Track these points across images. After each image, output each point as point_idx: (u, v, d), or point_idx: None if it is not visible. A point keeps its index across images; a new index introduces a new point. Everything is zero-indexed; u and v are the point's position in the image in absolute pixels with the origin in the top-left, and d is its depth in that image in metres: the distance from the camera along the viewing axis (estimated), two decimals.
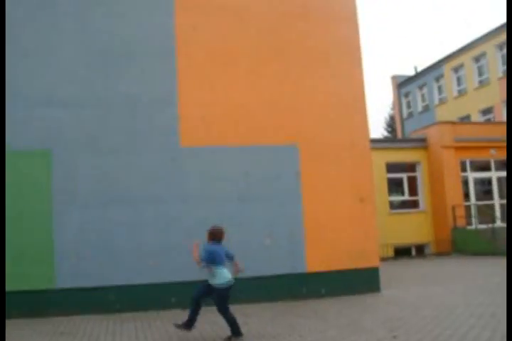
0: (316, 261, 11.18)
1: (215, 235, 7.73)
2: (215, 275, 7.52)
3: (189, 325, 7.64)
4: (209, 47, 11.36)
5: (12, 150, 10.31)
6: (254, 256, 10.87)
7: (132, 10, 11.22)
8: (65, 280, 10.20)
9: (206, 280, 7.66)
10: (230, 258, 7.88)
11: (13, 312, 9.87)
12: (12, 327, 9.20)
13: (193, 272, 10.38)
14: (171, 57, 11.13)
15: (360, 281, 11.45)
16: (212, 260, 7.49)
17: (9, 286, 9.91)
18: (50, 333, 8.55)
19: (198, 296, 7.68)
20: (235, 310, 9.17)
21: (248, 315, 9.43)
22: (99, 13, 11.05)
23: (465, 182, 22.46)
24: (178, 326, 7.69)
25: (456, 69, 32.43)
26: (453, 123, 24.06)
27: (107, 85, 10.82)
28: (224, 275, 7.53)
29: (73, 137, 10.59)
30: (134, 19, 11.20)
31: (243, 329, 7.86)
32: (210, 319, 8.22)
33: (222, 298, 7.52)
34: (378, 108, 68.33)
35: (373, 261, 11.63)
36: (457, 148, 21.96)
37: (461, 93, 31.86)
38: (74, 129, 10.61)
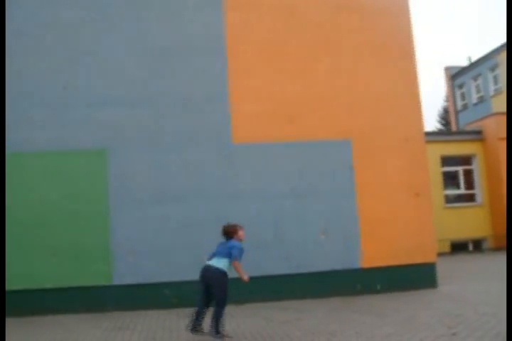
0: (371, 257, 11.06)
1: (224, 232, 7.68)
2: (225, 268, 7.46)
3: (218, 330, 7.40)
4: (260, 44, 11.35)
5: (69, 149, 10.56)
6: (309, 251, 10.85)
7: (183, 9, 11.31)
8: (122, 276, 10.40)
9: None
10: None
11: (73, 308, 10.17)
12: (72, 321, 9.46)
13: (247, 268, 10.47)
14: (222, 54, 11.17)
15: (417, 277, 11.27)
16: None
17: (69, 282, 10.23)
18: (109, 328, 8.73)
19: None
20: (290, 306, 9.16)
21: (303, 310, 9.41)
22: (152, 14, 11.19)
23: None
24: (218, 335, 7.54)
25: None
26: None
27: (160, 84, 10.95)
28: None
29: (128, 136, 10.77)
30: (185, 19, 11.28)
31: (298, 325, 7.85)
32: (262, 315, 8.22)
33: (225, 289, 7.44)
34: (431, 100, 67.03)
35: (430, 257, 11.42)
36: None
37: None
38: (129, 128, 10.79)
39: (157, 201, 10.64)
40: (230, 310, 9.14)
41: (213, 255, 7.58)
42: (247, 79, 11.16)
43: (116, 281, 10.39)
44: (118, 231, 10.48)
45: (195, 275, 10.06)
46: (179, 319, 9.28)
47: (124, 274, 10.40)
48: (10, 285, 10.14)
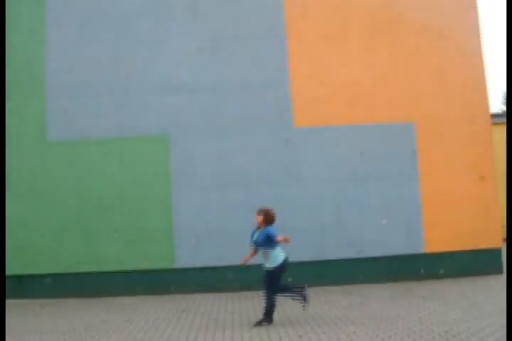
0: (434, 241, 10.88)
1: (270, 219, 7.56)
2: (271, 257, 7.43)
3: (304, 298, 7.62)
4: (319, 26, 11.22)
5: (133, 135, 10.78)
6: (371, 236, 10.77)
7: None
8: (185, 260, 10.60)
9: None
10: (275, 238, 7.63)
11: (137, 290, 10.45)
12: (137, 303, 9.73)
13: (309, 252, 10.50)
14: (282, 38, 11.12)
15: (481, 262, 11.03)
16: (267, 244, 7.41)
17: (133, 266, 10.51)
18: (173, 310, 8.92)
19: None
20: (353, 290, 9.14)
21: (366, 295, 9.37)
22: (211, 0, 11.20)
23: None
24: (304, 307, 7.69)
25: None
26: None
27: (219, 69, 11.01)
28: (279, 255, 7.43)
29: (189, 121, 10.89)
30: (243, 3, 11.26)
31: (361, 309, 7.83)
32: (326, 299, 8.23)
33: (272, 279, 7.42)
34: (495, 81, 64.96)
35: (495, 242, 11.15)
36: None
37: None
38: (190, 113, 10.91)
39: (218, 185, 10.75)
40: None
41: (277, 244, 7.48)
42: (307, 62, 11.07)
43: (179, 265, 10.60)
44: (180, 215, 10.66)
45: (257, 260, 10.15)
46: (241, 302, 9.41)
47: (187, 258, 10.59)
48: (77, 268, 10.52)
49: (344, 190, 10.81)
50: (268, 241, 7.39)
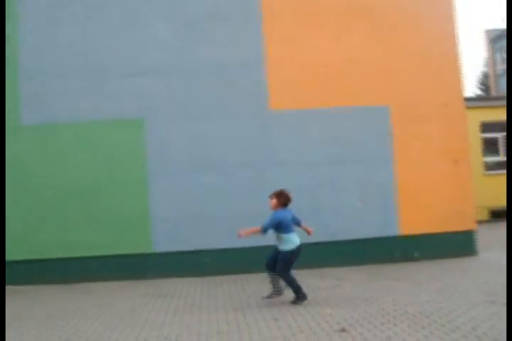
0: (409, 224, 11.00)
1: (284, 200, 7.63)
2: (283, 241, 7.52)
3: (279, 292, 7.71)
4: (295, 9, 11.15)
5: (107, 119, 10.66)
6: (346, 219, 10.84)
7: None
8: (162, 244, 10.58)
9: (276, 246, 7.68)
10: (297, 223, 7.82)
11: (114, 275, 10.42)
12: (114, 288, 9.71)
13: None
14: (258, 20, 11.03)
15: (456, 244, 11.18)
16: (278, 228, 7.47)
17: (109, 251, 10.46)
18: (149, 295, 8.92)
19: (271, 263, 7.69)
20: (328, 273, 9.22)
21: (341, 277, 9.46)
22: None
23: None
24: (268, 297, 7.76)
25: None
26: None
27: (194, 52, 10.90)
28: (292, 240, 7.51)
29: (165, 104, 10.80)
30: None
31: (336, 291, 7.91)
32: (301, 282, 8.26)
33: (284, 261, 7.50)
34: (471, 65, 65.45)
35: (469, 224, 11.30)
36: None
37: None
38: (165, 97, 10.82)
39: (194, 169, 10.71)
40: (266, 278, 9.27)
41: (290, 228, 7.58)
42: (283, 45, 11.02)
43: (156, 249, 10.57)
44: (156, 200, 10.62)
45: (233, 243, 10.21)
46: (217, 286, 9.44)
47: (163, 242, 10.57)
48: (52, 253, 10.44)
49: (319, 173, 10.83)
50: (278, 226, 7.46)
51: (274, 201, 7.63)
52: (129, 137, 10.71)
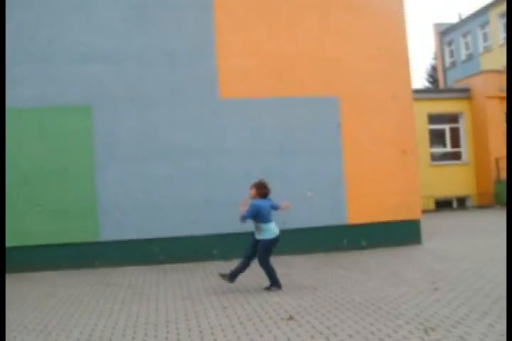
0: (357, 213, 11.17)
1: (262, 191, 7.68)
2: (263, 230, 7.56)
3: (233, 277, 7.73)
4: None
5: (54, 106, 10.41)
6: (295, 208, 10.84)
7: None
8: (110, 233, 10.44)
9: (253, 234, 7.72)
10: (275, 208, 7.85)
11: (61, 264, 10.24)
12: (60, 277, 9.56)
13: (234, 224, 10.53)
14: (209, 8, 10.92)
15: (402, 233, 11.43)
16: (256, 217, 7.51)
17: (56, 239, 10.28)
18: (97, 283, 8.81)
19: (250, 252, 7.70)
20: (278, 261, 9.28)
21: (290, 266, 9.54)
22: None
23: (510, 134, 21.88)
24: (222, 275, 7.78)
25: (502, 15, 31.14)
26: (498, 72, 23.25)
27: (145, 39, 10.73)
28: (270, 230, 7.57)
29: (113, 92, 10.61)
30: None
31: (285, 279, 7.96)
32: (251, 270, 8.31)
33: (264, 249, 7.57)
34: (419, 57, 66.56)
35: (415, 213, 11.56)
36: (502, 99, 21.26)
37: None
38: (114, 84, 10.62)
39: (143, 157, 10.58)
40: (218, 266, 9.28)
41: (268, 218, 7.61)
42: (235, 33, 10.96)
43: (104, 238, 10.43)
44: (104, 188, 10.46)
45: (182, 232, 10.16)
46: (166, 274, 9.40)
47: (112, 230, 10.44)
48: None
49: (269, 162, 10.86)
50: (257, 216, 7.47)
51: (253, 191, 7.68)
52: (76, 125, 10.47)
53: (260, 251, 7.58)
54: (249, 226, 7.78)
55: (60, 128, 10.42)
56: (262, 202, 7.57)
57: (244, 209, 7.46)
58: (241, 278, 7.83)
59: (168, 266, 10.19)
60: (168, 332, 5.71)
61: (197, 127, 10.77)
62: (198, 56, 10.85)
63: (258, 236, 7.62)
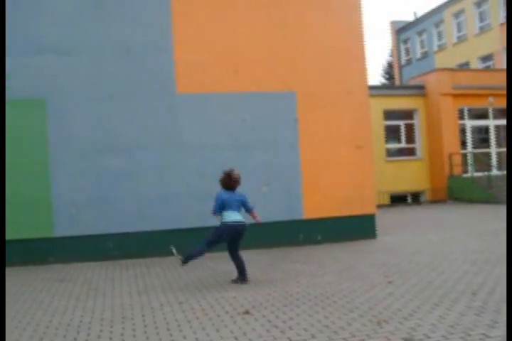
0: (312, 208, 11.26)
1: (222, 183, 7.75)
2: (222, 217, 7.59)
3: (187, 260, 7.70)
4: None
5: (7, 99, 10.15)
6: (252, 202, 10.90)
7: None
8: (64, 228, 10.29)
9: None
10: (247, 209, 7.86)
11: (14, 260, 10.02)
12: (13, 274, 9.36)
13: (190, 219, 10.52)
14: (166, 1, 10.82)
15: (357, 228, 11.58)
16: (218, 208, 7.57)
17: (9, 235, 10.04)
18: (51, 280, 8.68)
19: (229, 246, 7.76)
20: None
21: (246, 261, 9.52)
22: None
23: (462, 130, 22.39)
24: (183, 261, 7.72)
25: (456, 15, 31.80)
26: (452, 70, 23.78)
27: (100, 30, 10.55)
28: (229, 215, 7.57)
29: (67, 84, 10.41)
30: None
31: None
32: (207, 265, 8.35)
33: (216, 234, 7.59)
34: (376, 54, 67.38)
35: (370, 208, 11.72)
36: (455, 96, 21.77)
37: (461, 39, 31.38)
38: (68, 76, 10.43)
39: (98, 151, 10.44)
40: (172, 262, 9.23)
41: (231, 208, 7.60)
42: (192, 28, 10.89)
43: (58, 233, 10.27)
44: (58, 183, 10.29)
45: (137, 227, 10.07)
46: (121, 270, 9.32)
47: (66, 226, 10.28)
48: None
49: (225, 157, 10.80)
50: (222, 207, 7.59)
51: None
52: (29, 118, 10.26)
53: (212, 234, 7.60)
54: (207, 221, 7.77)
55: (12, 122, 10.16)
56: (222, 193, 7.65)
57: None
58: (197, 273, 7.82)
59: (123, 262, 10.10)
60: (123, 328, 5.66)
61: (152, 121, 10.67)
62: (154, 49, 10.74)
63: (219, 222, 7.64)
